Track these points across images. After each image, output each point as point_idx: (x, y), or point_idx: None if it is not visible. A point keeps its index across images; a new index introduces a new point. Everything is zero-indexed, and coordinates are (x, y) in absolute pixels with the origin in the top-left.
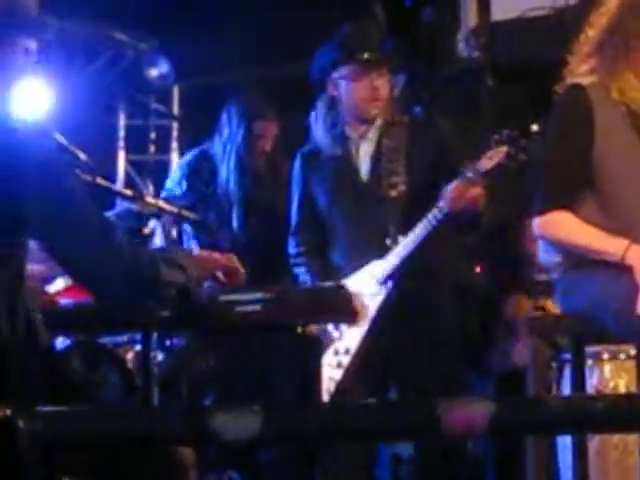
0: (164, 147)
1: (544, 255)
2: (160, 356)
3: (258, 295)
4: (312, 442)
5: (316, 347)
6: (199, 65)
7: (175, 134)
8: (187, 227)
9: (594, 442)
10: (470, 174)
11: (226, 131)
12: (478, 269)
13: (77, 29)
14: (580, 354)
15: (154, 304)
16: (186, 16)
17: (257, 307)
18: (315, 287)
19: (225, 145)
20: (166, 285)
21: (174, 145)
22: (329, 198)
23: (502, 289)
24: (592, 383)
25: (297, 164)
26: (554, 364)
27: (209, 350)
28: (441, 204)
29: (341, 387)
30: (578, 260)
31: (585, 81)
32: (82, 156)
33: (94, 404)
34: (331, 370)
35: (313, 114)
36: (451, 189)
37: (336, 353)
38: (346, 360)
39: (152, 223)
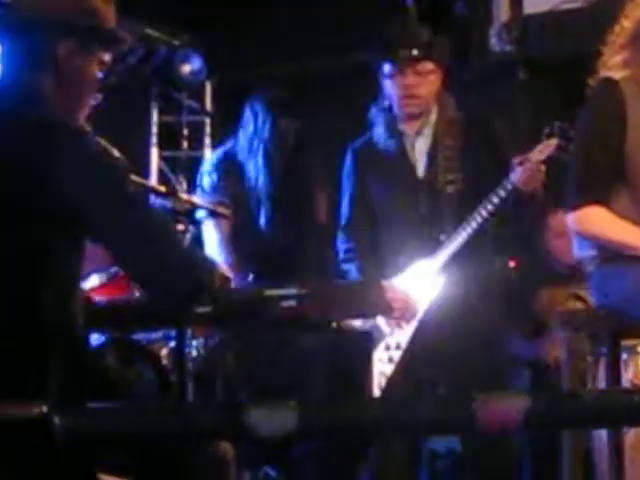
0: (197, 143)
1: (579, 250)
2: (194, 352)
3: (293, 290)
4: (347, 437)
5: (360, 342)
6: (231, 61)
7: (208, 130)
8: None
9: (630, 436)
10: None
11: (251, 127)
12: (512, 263)
13: None
14: (615, 348)
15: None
16: (218, 11)
17: (292, 302)
18: (349, 282)
19: (251, 141)
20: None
21: (207, 141)
22: (385, 194)
23: (536, 282)
24: (627, 377)
25: (349, 159)
26: (589, 358)
27: (243, 345)
28: (512, 178)
29: (392, 382)
30: (612, 254)
31: (618, 75)
32: (115, 153)
33: (129, 401)
34: (382, 365)
35: (374, 108)
36: (524, 168)
37: (387, 348)
38: (397, 355)
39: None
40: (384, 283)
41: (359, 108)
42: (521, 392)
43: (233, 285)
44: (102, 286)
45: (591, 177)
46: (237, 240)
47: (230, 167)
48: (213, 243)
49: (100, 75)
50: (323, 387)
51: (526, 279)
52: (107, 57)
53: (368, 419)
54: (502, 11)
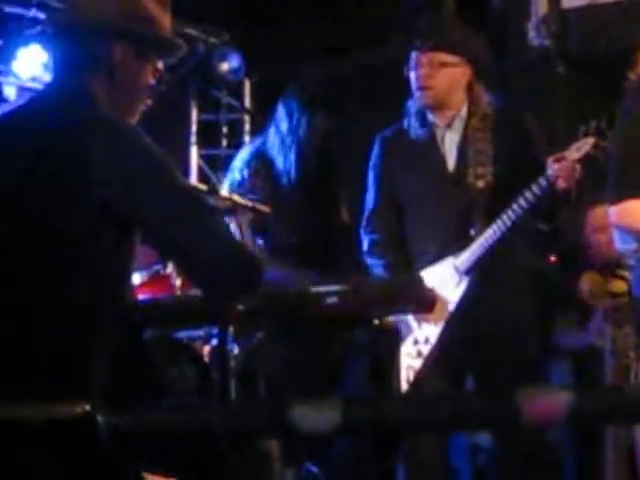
0: (236, 141)
1: (620, 243)
2: (236, 350)
3: (334, 287)
4: (391, 433)
5: (393, 339)
6: (270, 58)
7: (247, 127)
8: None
9: None
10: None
11: (284, 124)
12: (552, 259)
13: None
14: None
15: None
16: (257, 9)
17: (334, 299)
18: (391, 279)
19: (284, 138)
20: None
21: (246, 139)
22: (414, 185)
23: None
24: None
25: (378, 146)
26: (632, 353)
27: (286, 342)
28: (547, 175)
29: (420, 376)
30: None
31: None
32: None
33: (172, 399)
34: (410, 359)
35: (410, 100)
36: (560, 166)
37: (415, 342)
38: (426, 349)
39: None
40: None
41: (397, 105)
42: (565, 386)
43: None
44: (144, 284)
45: (631, 171)
46: (270, 236)
47: (261, 164)
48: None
49: (153, 82)
50: (364, 380)
51: (566, 272)
52: (161, 65)
53: (411, 415)
54: (540, 5)
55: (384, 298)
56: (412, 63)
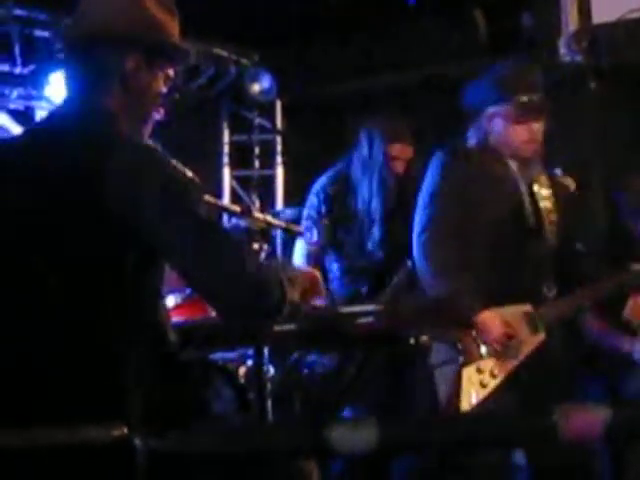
0: (268, 161)
1: None
2: (272, 371)
3: (370, 307)
4: (430, 453)
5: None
6: (301, 79)
7: (279, 148)
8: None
9: None
10: None
11: (366, 151)
12: None
13: None
14: None
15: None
16: (287, 30)
17: (369, 319)
18: (427, 298)
19: (366, 165)
20: (290, 304)
21: (278, 159)
22: (495, 216)
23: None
24: None
25: (456, 161)
26: None
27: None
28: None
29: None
30: None
31: None
32: (188, 173)
33: (210, 422)
34: (472, 386)
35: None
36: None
37: (480, 372)
38: (492, 383)
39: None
40: (497, 309)
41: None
42: (601, 403)
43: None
44: (178, 307)
45: None
46: (344, 258)
47: (341, 187)
48: (299, 260)
49: (165, 90)
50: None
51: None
52: (172, 72)
53: (448, 435)
54: (570, 21)
55: (418, 318)
56: (511, 116)
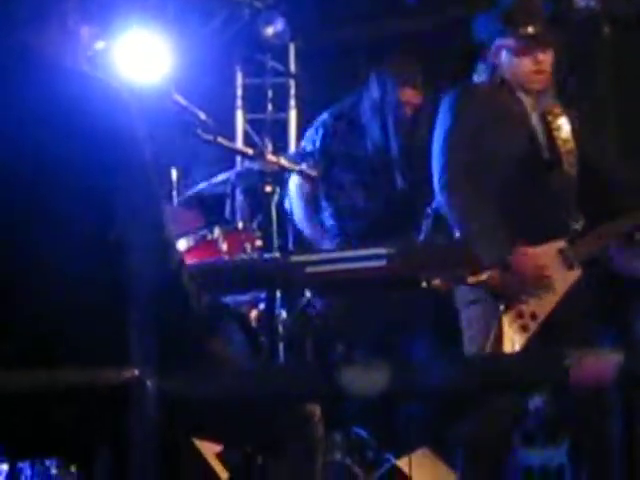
0: (282, 105)
1: None
2: (284, 314)
3: (382, 250)
4: (439, 397)
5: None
6: (315, 22)
7: (292, 92)
8: (321, 189)
9: None
10: None
11: (377, 94)
12: None
13: None
14: None
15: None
16: None
17: (381, 262)
18: (439, 242)
19: (376, 108)
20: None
21: (292, 103)
22: (509, 153)
23: None
24: None
25: (466, 99)
26: None
27: (334, 306)
28: None
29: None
30: None
31: None
32: (202, 116)
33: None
34: (513, 333)
35: (475, 76)
36: None
37: (520, 316)
38: (533, 325)
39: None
40: (528, 249)
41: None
42: (614, 348)
43: None
44: (190, 249)
45: None
46: (367, 200)
47: (344, 127)
48: (298, 215)
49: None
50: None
51: None
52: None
53: (460, 379)
54: None
55: (430, 261)
56: (516, 48)
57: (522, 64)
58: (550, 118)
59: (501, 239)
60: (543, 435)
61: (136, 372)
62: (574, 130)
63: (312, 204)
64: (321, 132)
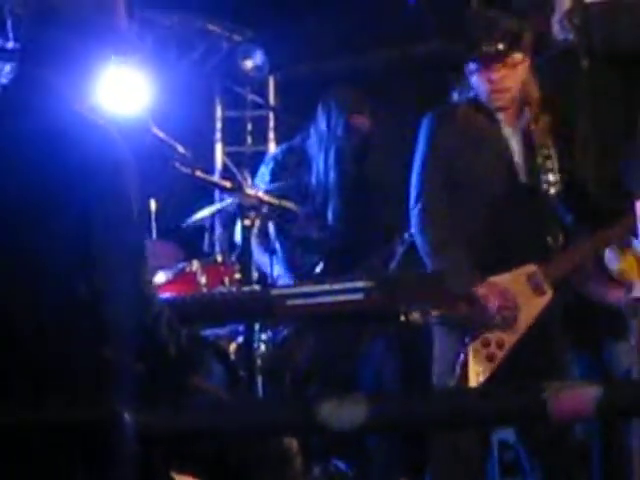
0: (261, 138)
1: None
2: (262, 347)
3: (360, 283)
4: (417, 430)
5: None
6: (294, 55)
7: (271, 124)
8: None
9: None
10: None
11: (324, 124)
12: None
13: (171, 22)
14: None
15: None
16: (280, 6)
17: (360, 295)
18: (416, 274)
19: (322, 137)
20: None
21: (271, 135)
22: (479, 175)
23: None
24: None
25: (434, 124)
26: None
27: (312, 340)
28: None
29: (491, 380)
30: None
31: None
32: (180, 149)
33: (199, 397)
34: (480, 363)
35: (453, 97)
36: None
37: (486, 345)
38: (500, 355)
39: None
40: (491, 280)
41: (425, 101)
42: (592, 381)
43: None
44: (169, 283)
45: None
46: (319, 231)
47: (295, 160)
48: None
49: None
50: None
51: None
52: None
53: (437, 412)
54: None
55: (408, 294)
56: (478, 67)
57: (480, 84)
58: (531, 137)
59: (467, 272)
60: (521, 466)
61: (115, 406)
62: (556, 147)
63: (265, 237)
64: (271, 166)
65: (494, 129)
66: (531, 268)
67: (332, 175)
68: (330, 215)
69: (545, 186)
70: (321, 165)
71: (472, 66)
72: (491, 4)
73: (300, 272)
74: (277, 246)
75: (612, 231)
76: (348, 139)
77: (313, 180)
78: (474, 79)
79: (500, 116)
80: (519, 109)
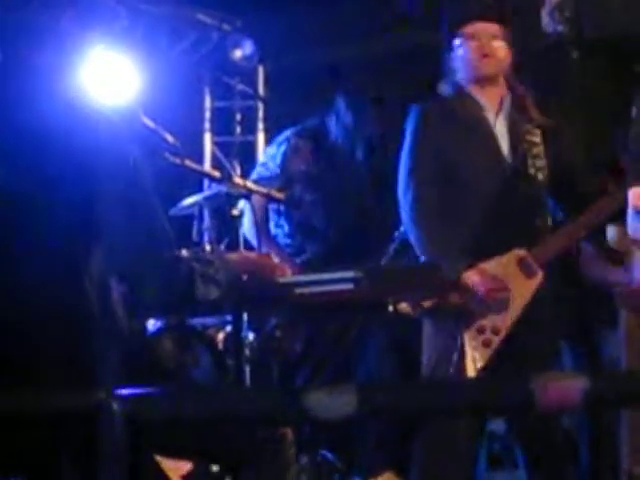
0: (250, 128)
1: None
2: (251, 336)
3: (350, 273)
4: (406, 419)
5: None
6: (283, 45)
7: (260, 115)
8: (280, 205)
9: None
10: None
11: (349, 118)
12: None
13: (160, 11)
14: None
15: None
16: None
17: (349, 285)
18: (406, 264)
19: (350, 132)
20: (198, 302)
21: (260, 126)
22: (469, 164)
23: None
24: None
25: (422, 118)
26: None
27: (300, 329)
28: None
29: (488, 367)
30: None
31: None
32: (169, 138)
33: (186, 386)
34: (476, 350)
35: (439, 89)
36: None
37: (481, 331)
38: (495, 340)
39: (241, 203)
40: (480, 266)
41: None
42: (579, 372)
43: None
44: None
45: None
46: (328, 223)
47: (309, 146)
48: (248, 228)
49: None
50: (382, 368)
51: None
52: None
53: (425, 401)
54: None
55: (398, 284)
56: (464, 37)
57: (466, 56)
58: (516, 123)
59: (460, 260)
60: (510, 458)
61: (102, 394)
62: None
63: (264, 222)
64: (283, 148)
65: (479, 117)
66: (521, 252)
67: (363, 171)
68: (340, 206)
69: (533, 170)
70: (347, 159)
71: (456, 42)
72: None
73: (304, 258)
74: (279, 231)
75: (598, 211)
76: (376, 134)
77: (329, 169)
78: (459, 56)
79: (485, 103)
80: (502, 97)
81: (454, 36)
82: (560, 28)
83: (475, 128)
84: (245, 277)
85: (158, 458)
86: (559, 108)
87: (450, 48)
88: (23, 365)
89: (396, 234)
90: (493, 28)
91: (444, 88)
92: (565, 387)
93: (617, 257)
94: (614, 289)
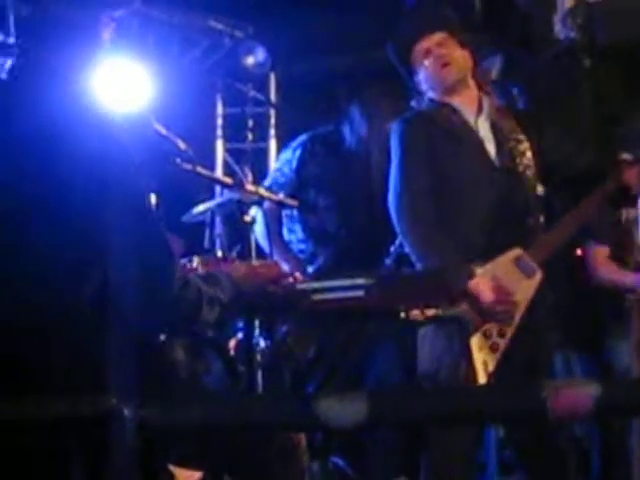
0: (262, 135)
1: None
2: (262, 343)
3: (360, 281)
4: (417, 427)
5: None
6: (295, 52)
7: (272, 121)
8: (293, 211)
9: None
10: None
11: (364, 130)
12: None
13: (173, 19)
14: None
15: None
16: (282, 3)
17: (360, 293)
18: (417, 271)
19: (364, 143)
20: (202, 324)
21: (272, 132)
22: (458, 170)
23: None
24: None
25: (408, 129)
26: None
27: (312, 336)
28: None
29: (496, 371)
30: None
31: None
32: (182, 145)
33: (198, 393)
34: (484, 354)
35: (413, 103)
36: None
37: (488, 336)
38: (502, 343)
39: (254, 210)
40: (478, 272)
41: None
42: (591, 379)
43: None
44: None
45: None
46: (340, 227)
47: (324, 150)
48: (260, 235)
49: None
50: (392, 375)
51: None
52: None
53: (437, 409)
54: None
55: (409, 291)
56: (419, 57)
57: (428, 71)
58: (498, 124)
59: (463, 266)
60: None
61: (114, 401)
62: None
63: (278, 227)
64: (299, 152)
65: (460, 122)
66: (517, 252)
67: (376, 177)
68: (354, 211)
69: (521, 168)
70: (361, 166)
71: (414, 66)
72: (494, 3)
73: (319, 264)
74: (293, 237)
75: (590, 204)
76: (371, 141)
77: (344, 173)
78: (422, 79)
79: (462, 108)
80: (478, 99)
81: (410, 61)
82: (572, 35)
83: (459, 134)
84: (250, 290)
85: (170, 467)
86: (566, 114)
87: (410, 74)
88: (35, 370)
89: (392, 249)
90: (441, 36)
91: (417, 102)
92: (576, 394)
93: (629, 260)
94: (627, 295)
